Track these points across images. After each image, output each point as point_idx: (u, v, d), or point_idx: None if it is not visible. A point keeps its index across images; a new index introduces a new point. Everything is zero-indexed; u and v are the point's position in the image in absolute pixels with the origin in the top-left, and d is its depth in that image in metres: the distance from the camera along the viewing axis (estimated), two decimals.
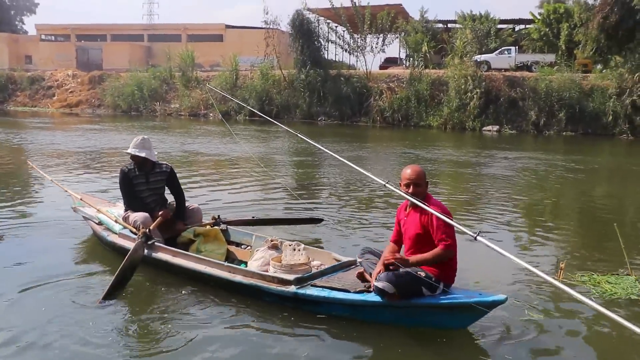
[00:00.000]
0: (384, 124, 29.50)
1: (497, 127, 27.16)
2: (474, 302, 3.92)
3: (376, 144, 21.46)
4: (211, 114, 32.92)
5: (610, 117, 26.04)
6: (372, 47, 33.92)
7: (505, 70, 30.64)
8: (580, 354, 4.04)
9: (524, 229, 7.86)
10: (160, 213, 5.69)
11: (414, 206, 4.12)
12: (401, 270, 4.08)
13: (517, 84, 28.31)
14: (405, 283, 4.01)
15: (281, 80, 33.10)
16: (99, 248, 6.19)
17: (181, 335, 4.09)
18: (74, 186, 8.85)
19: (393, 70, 33.77)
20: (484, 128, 27.23)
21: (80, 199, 6.80)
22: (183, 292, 4.87)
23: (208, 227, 5.93)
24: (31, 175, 11.10)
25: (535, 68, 31.22)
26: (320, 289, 4.35)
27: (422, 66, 31.00)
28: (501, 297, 3.93)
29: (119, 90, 36.33)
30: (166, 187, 6.10)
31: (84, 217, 6.62)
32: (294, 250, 4.91)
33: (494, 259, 5.80)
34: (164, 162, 6.13)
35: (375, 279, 4.11)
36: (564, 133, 26.36)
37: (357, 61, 35.35)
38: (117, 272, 4.86)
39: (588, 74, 28.84)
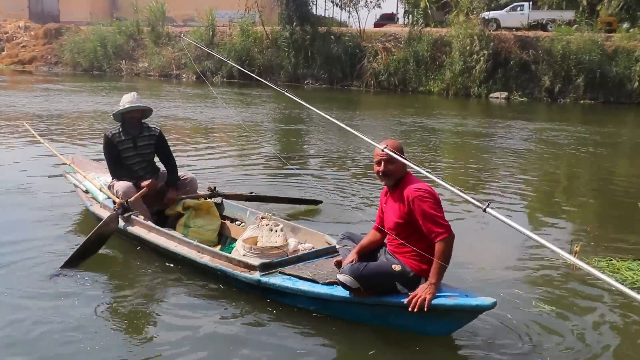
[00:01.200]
0: (379, 88, 29.30)
1: (506, 93, 27.07)
2: (452, 306, 3.68)
3: (371, 111, 21.30)
4: (184, 75, 32.66)
5: (637, 84, 25.96)
6: (366, 1, 33.53)
7: (517, 29, 30.35)
8: (601, 351, 3.94)
9: (535, 209, 7.82)
10: (144, 183, 5.63)
11: (392, 191, 3.98)
12: (381, 259, 3.96)
13: (529, 45, 28.10)
14: (372, 277, 3.82)
15: (263, 38, 32.74)
16: (90, 220, 6.08)
17: (142, 322, 4.10)
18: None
19: (390, 28, 33.45)
20: (491, 95, 27.12)
21: (70, 164, 6.71)
22: (160, 272, 4.88)
23: (201, 199, 5.89)
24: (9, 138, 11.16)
25: (551, 27, 30.94)
26: (288, 277, 4.22)
27: (422, 24, 30.74)
28: (487, 301, 3.66)
29: (79, 46, 35.82)
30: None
31: (74, 184, 6.57)
32: (271, 230, 4.79)
33: (499, 242, 5.75)
34: (153, 125, 6.04)
35: (340, 270, 3.97)
36: (582, 101, 26.31)
37: (349, 17, 34.85)
38: (83, 242, 4.96)
39: (612, 34, 28.61)
